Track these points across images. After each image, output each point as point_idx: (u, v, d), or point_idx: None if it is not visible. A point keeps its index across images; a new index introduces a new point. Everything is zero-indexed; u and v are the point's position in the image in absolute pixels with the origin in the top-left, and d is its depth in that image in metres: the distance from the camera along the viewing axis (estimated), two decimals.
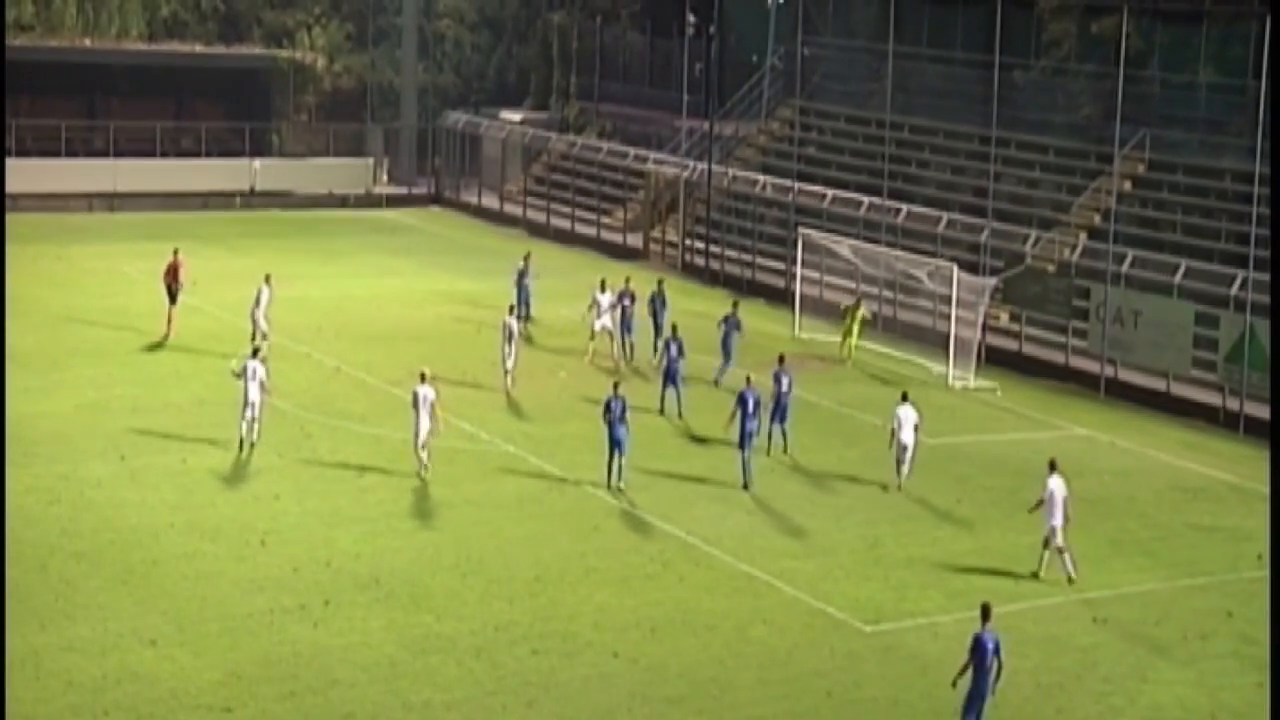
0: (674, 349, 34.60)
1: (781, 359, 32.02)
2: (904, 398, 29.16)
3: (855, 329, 40.42)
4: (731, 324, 37.84)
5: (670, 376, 34.11)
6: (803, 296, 44.82)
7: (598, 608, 23.59)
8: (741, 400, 29.80)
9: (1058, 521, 25.29)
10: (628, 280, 40.63)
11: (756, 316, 46.23)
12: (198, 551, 25.14)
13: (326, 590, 23.79)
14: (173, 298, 39.40)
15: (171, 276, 39.63)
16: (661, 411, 33.90)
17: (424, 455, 29.29)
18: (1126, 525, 28.72)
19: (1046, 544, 25.41)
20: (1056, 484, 25.38)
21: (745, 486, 29.33)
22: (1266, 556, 26.33)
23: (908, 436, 28.90)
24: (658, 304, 40.18)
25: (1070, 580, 25.22)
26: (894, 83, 48.00)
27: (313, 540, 25.97)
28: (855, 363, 39.75)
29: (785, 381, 31.08)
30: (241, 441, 30.16)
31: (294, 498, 28.09)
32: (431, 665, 21.42)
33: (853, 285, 45.83)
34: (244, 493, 28.17)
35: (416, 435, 29.19)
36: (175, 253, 40.39)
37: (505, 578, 24.69)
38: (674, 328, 35.51)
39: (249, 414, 30.03)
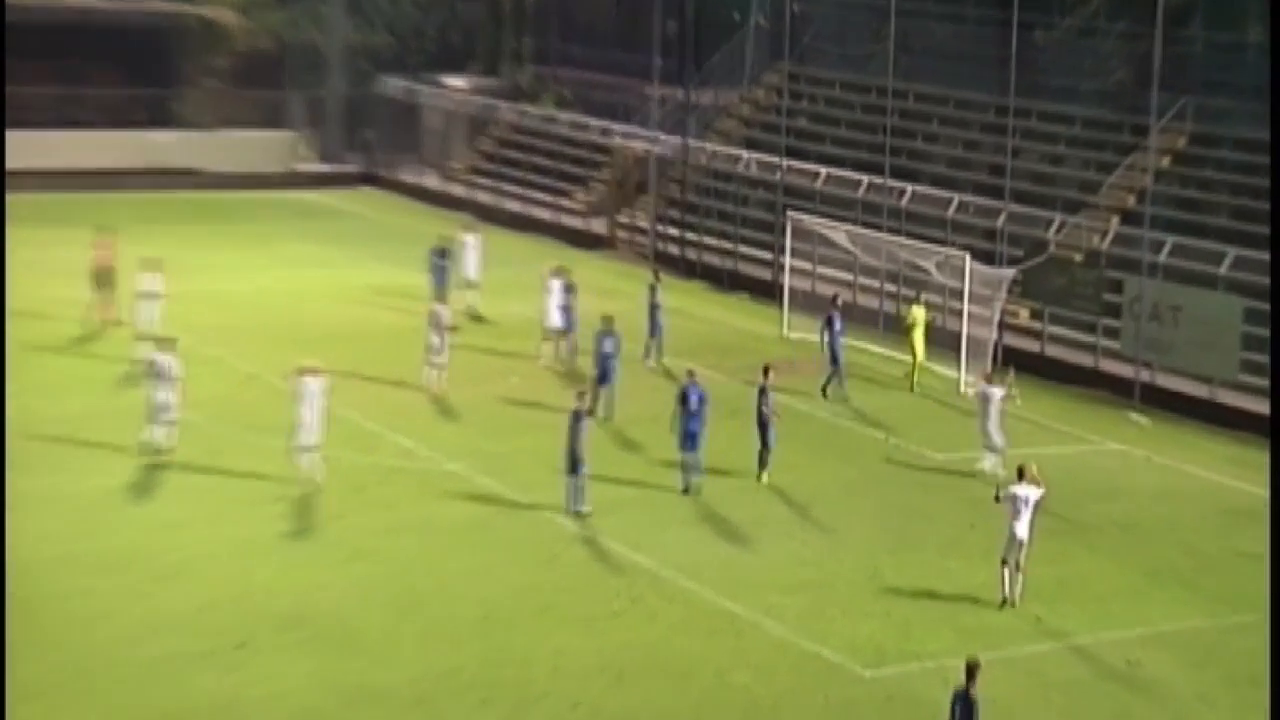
0: (608, 344, 34.90)
1: (766, 372, 31.74)
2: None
3: (920, 342, 38.72)
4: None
5: (603, 375, 34.45)
6: (792, 291, 44.89)
7: (556, 651, 23.62)
8: (683, 397, 30.17)
9: (1024, 534, 25.42)
10: (561, 269, 40.76)
11: (739, 314, 46.60)
12: (90, 589, 25.06)
13: (240, 632, 23.74)
14: (100, 285, 39.82)
15: (103, 262, 39.97)
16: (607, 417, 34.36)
17: (309, 460, 29.41)
18: (1165, 554, 28.89)
19: (1005, 565, 25.61)
20: (1028, 493, 25.53)
21: (685, 490, 29.97)
22: None
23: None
24: (654, 304, 40.20)
25: (1010, 604, 25.42)
26: (897, 44, 48.02)
27: (224, 573, 25.92)
28: (920, 386, 38.70)
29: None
30: (153, 448, 30.24)
31: (203, 524, 28.03)
32: (363, 719, 21.31)
33: (849, 277, 46.06)
34: (145, 518, 28.10)
35: (299, 435, 29.35)
36: (102, 238, 40.44)
37: (448, 617, 24.69)
38: (609, 320, 35.72)
39: (162, 417, 30.15)
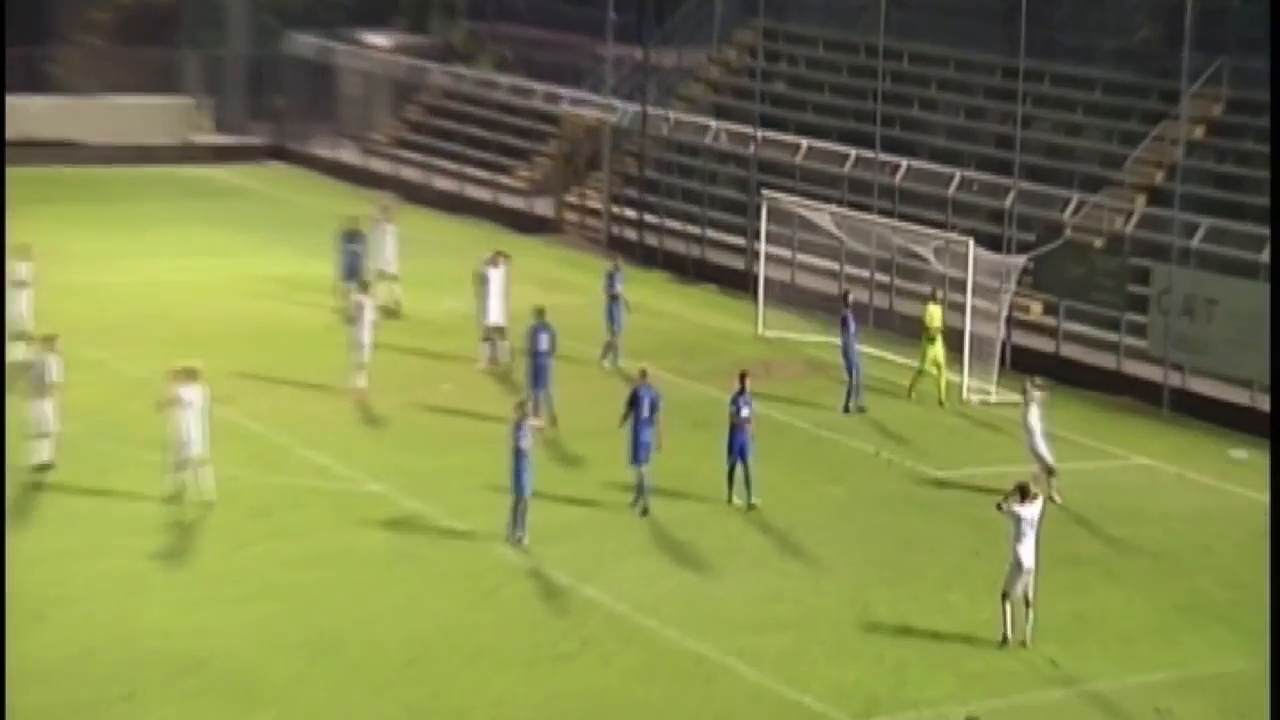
0: (542, 340, 35.06)
1: (744, 380, 31.59)
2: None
3: (940, 347, 38.45)
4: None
5: (537, 376, 34.74)
6: (768, 282, 44.93)
7: (495, 699, 23.49)
8: (634, 400, 30.45)
9: (1030, 560, 25.57)
10: (500, 256, 40.81)
11: (706, 309, 46.69)
12: None
13: (128, 679, 23.60)
14: None
15: None
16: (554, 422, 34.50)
17: (196, 476, 29.49)
18: (1199, 585, 28.96)
19: (1007, 599, 25.66)
20: (1032, 512, 25.79)
21: (633, 504, 30.33)
22: None
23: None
24: (613, 295, 40.37)
25: (1018, 643, 25.52)
26: None
27: (108, 612, 25.78)
28: (917, 391, 38.51)
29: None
30: (38, 465, 30.20)
31: (84, 555, 27.89)
32: None
33: (834, 266, 46.11)
34: (16, 548, 27.79)
35: (182, 450, 29.39)
36: None
37: (371, 660, 24.58)
38: (541, 312, 35.86)
39: (39, 429, 30.12)
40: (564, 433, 34.26)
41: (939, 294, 40.08)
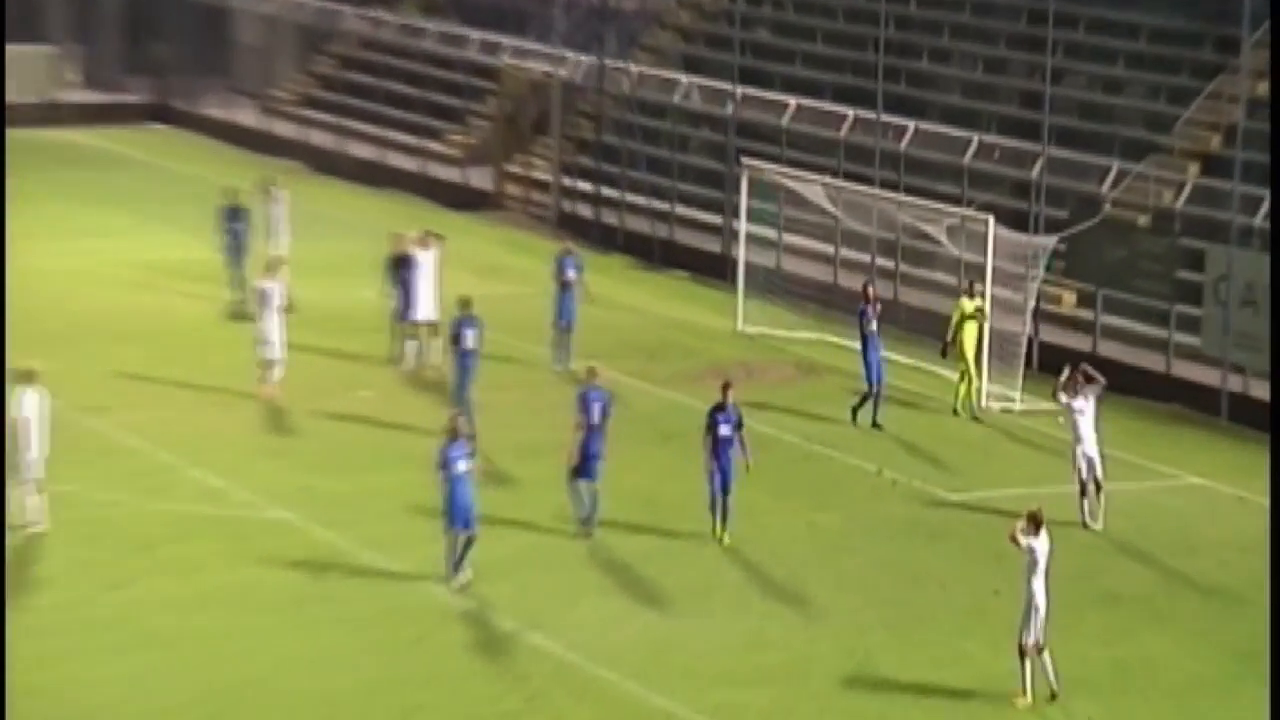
0: (468, 336, 35.49)
1: (727, 391, 31.44)
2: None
3: (972, 349, 38.57)
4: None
5: (461, 381, 35.42)
6: (749, 268, 44.98)
7: None
8: (583, 403, 30.80)
9: (1042, 602, 25.79)
10: (431, 236, 40.95)
11: (676, 300, 46.95)
12: None
13: None
14: None
15: None
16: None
17: (34, 501, 29.52)
18: (1262, 628, 28.34)
19: (1025, 652, 25.73)
20: (1045, 545, 26.01)
21: (583, 524, 30.74)
22: None
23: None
24: (564, 282, 40.55)
25: (1046, 698, 25.60)
26: None
27: None
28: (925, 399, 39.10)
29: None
30: None
31: None
32: None
33: (829, 249, 46.12)
34: None
35: (19, 469, 29.47)
36: None
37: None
38: (467, 303, 36.18)
39: None
40: (506, 449, 34.24)
41: (977, 287, 39.41)
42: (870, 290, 38.69)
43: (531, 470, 33.64)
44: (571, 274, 40.44)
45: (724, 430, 30.99)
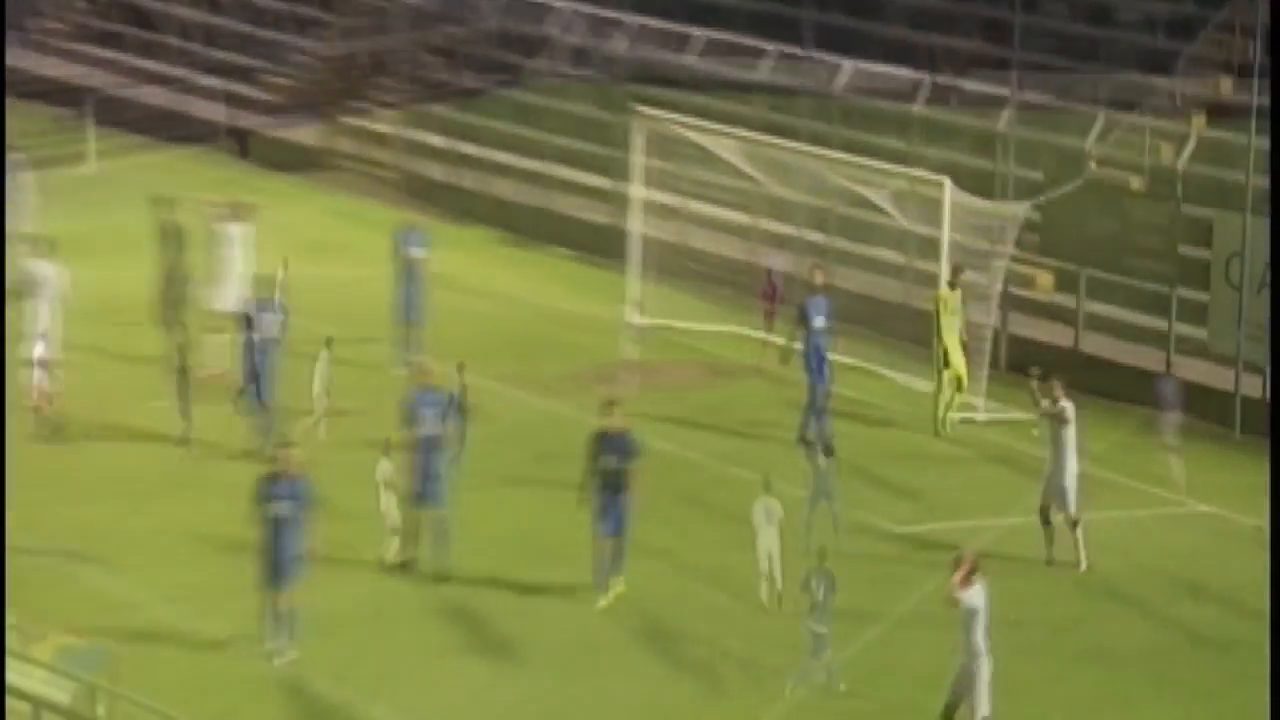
0: (267, 323, 36.27)
1: (612, 411, 31.34)
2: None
3: (956, 352, 39.06)
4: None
5: (256, 381, 36.13)
6: (646, 244, 44.27)
7: None
8: (410, 413, 31.80)
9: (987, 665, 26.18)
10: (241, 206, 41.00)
11: (554, 284, 47.04)
12: None
13: None
14: None
15: None
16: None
17: None
18: None
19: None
20: (981, 600, 26.35)
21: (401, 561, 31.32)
22: None
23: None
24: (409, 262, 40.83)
25: None
26: None
27: None
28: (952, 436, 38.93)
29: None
30: None
31: None
32: None
33: (744, 219, 46.14)
34: None
35: None
36: None
37: None
38: (268, 284, 36.63)
39: None
40: (337, 473, 33.44)
41: (962, 275, 39.81)
42: (818, 273, 38.97)
43: (367, 500, 32.92)
44: (417, 251, 40.41)
45: (611, 463, 30.71)
